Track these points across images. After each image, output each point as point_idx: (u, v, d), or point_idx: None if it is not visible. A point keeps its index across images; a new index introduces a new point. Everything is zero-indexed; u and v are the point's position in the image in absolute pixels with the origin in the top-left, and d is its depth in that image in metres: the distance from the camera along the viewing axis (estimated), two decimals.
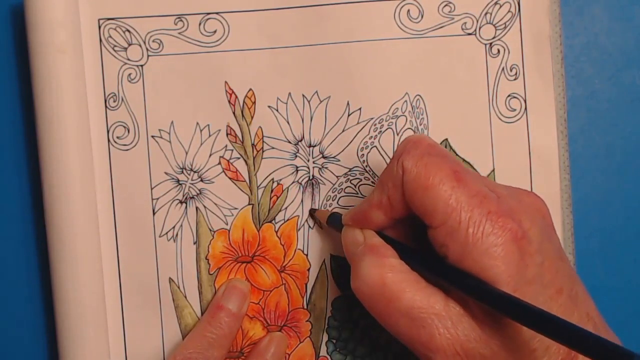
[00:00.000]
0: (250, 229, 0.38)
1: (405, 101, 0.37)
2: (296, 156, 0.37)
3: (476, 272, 0.27)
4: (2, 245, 0.39)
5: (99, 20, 0.37)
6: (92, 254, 0.36)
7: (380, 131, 0.37)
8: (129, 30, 0.37)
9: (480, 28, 0.37)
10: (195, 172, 0.37)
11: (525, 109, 0.37)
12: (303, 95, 0.37)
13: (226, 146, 0.37)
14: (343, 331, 0.38)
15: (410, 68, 0.37)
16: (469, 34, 0.37)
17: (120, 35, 0.37)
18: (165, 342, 0.37)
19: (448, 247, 0.27)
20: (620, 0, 0.39)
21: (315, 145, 0.38)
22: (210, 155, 0.37)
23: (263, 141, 0.37)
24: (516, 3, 0.37)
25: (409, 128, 0.37)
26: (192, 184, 0.37)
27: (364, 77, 0.37)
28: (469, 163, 0.37)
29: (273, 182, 0.38)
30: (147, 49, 0.37)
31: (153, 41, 0.37)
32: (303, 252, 0.38)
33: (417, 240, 0.31)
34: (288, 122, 0.37)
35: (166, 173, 0.37)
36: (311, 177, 0.38)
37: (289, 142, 0.37)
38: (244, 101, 0.37)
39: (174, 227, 0.37)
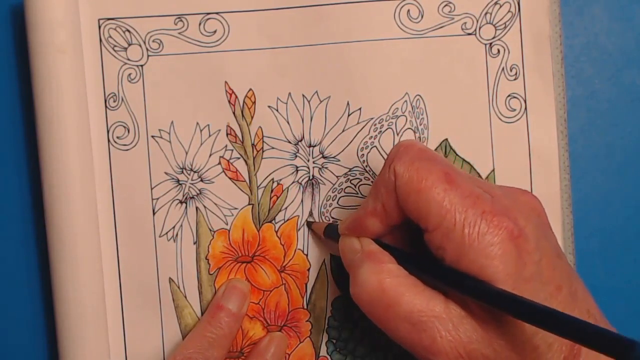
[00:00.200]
0: (250, 229, 0.38)
1: (405, 101, 0.37)
2: (296, 156, 0.37)
3: (474, 273, 0.26)
4: (2, 245, 0.39)
5: (99, 20, 0.37)
6: (92, 254, 0.36)
7: (380, 131, 0.37)
8: (129, 30, 0.37)
9: (480, 28, 0.37)
10: (195, 172, 0.37)
11: (525, 109, 0.37)
12: (303, 95, 0.37)
13: (226, 146, 0.37)
14: (343, 331, 0.38)
15: (410, 68, 0.37)
16: (469, 34, 0.37)
17: (120, 35, 0.37)
18: (165, 342, 0.37)
19: (445, 249, 0.27)
20: (620, 0, 0.39)
21: (315, 145, 0.38)
22: (210, 155, 0.37)
23: (263, 141, 0.37)
24: (516, 3, 0.37)
25: (409, 128, 0.37)
26: (192, 184, 0.37)
27: (364, 77, 0.37)
28: (469, 163, 0.37)
29: (273, 182, 0.38)
30: (147, 49, 0.37)
31: (153, 41, 0.37)
32: (303, 252, 0.38)
33: (413, 246, 0.31)
34: (288, 122, 0.37)
35: (166, 173, 0.37)
36: (311, 177, 0.38)
37: (289, 142, 0.37)
38: (244, 101, 0.37)
39: (174, 227, 0.37)
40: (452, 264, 0.27)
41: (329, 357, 0.38)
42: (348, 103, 0.37)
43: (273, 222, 0.38)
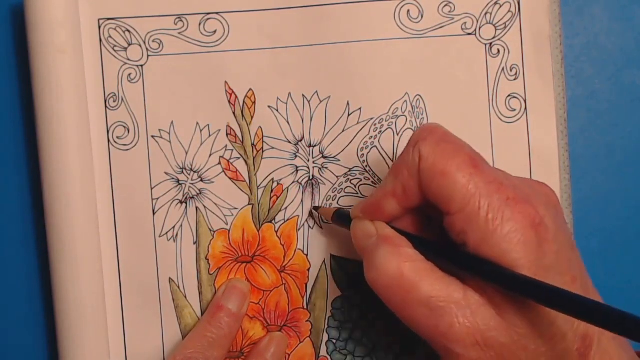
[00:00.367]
0: (250, 229, 0.38)
1: (405, 101, 0.37)
2: (296, 156, 0.37)
3: (495, 258, 0.26)
4: (2, 245, 0.39)
5: (99, 20, 0.37)
6: (92, 254, 0.36)
7: (380, 131, 0.37)
8: (129, 30, 0.37)
9: (480, 28, 0.37)
10: (195, 172, 0.37)
11: (525, 109, 0.37)
12: (303, 95, 0.37)
13: (226, 146, 0.37)
14: (343, 331, 0.38)
15: (410, 68, 0.37)
16: (469, 34, 0.37)
17: (120, 35, 0.37)
18: (165, 342, 0.37)
19: (467, 233, 0.27)
20: (620, 0, 0.39)
21: (315, 145, 0.38)
22: (210, 155, 0.37)
23: (263, 141, 0.37)
24: (516, 3, 0.37)
25: (409, 128, 0.37)
26: (192, 184, 0.37)
27: (364, 77, 0.37)
28: None
29: (273, 182, 0.38)
30: (147, 49, 0.37)
31: (153, 41, 0.37)
32: (303, 252, 0.38)
33: (425, 233, 0.31)
34: (288, 122, 0.37)
35: (166, 173, 0.37)
36: (311, 177, 0.38)
37: (289, 142, 0.37)
38: (244, 101, 0.37)
39: (174, 227, 0.37)
40: (473, 248, 0.27)
41: (329, 357, 0.38)
42: (348, 103, 0.37)
43: (273, 222, 0.38)
